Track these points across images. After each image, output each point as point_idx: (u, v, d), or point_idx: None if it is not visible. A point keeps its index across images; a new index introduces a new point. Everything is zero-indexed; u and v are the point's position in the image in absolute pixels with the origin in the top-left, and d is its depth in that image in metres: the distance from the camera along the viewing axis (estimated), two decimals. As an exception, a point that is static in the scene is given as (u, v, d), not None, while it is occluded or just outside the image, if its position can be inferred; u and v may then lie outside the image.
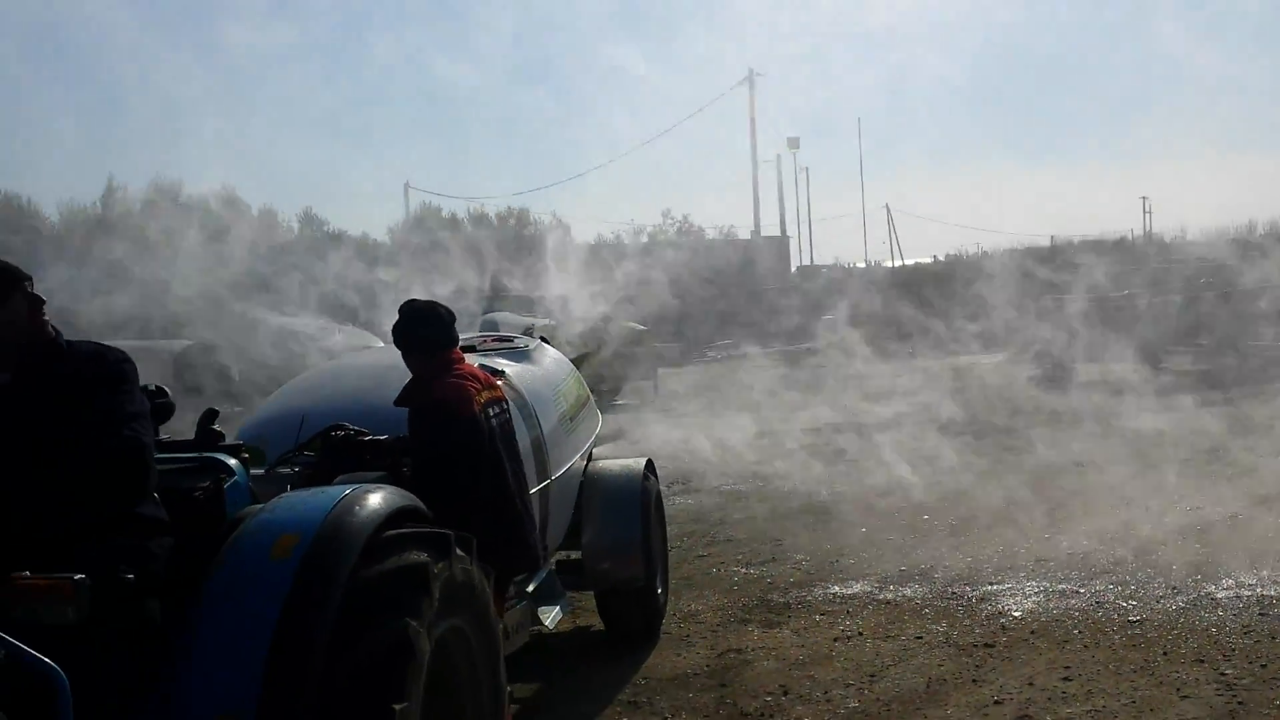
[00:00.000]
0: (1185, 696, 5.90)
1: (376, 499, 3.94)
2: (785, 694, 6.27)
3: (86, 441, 3.35)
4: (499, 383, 6.07)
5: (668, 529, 10.40)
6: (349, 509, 3.79)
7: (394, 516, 3.92)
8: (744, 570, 9.09)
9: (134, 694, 3.23)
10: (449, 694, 4.17)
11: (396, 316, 5.32)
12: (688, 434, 16.45)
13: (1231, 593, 7.65)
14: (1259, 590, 7.66)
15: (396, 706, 3.41)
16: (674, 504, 11.94)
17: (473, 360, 6.24)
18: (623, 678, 6.68)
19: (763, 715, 6.00)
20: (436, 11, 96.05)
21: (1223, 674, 6.19)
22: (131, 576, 3.29)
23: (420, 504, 4.19)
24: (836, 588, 8.40)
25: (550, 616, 6.39)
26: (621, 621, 7.31)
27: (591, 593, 7.41)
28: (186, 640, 3.39)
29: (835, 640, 7.17)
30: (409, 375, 5.31)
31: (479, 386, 5.27)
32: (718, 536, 10.39)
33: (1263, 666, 6.27)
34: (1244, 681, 6.06)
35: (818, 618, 7.68)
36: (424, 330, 5.24)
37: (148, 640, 3.33)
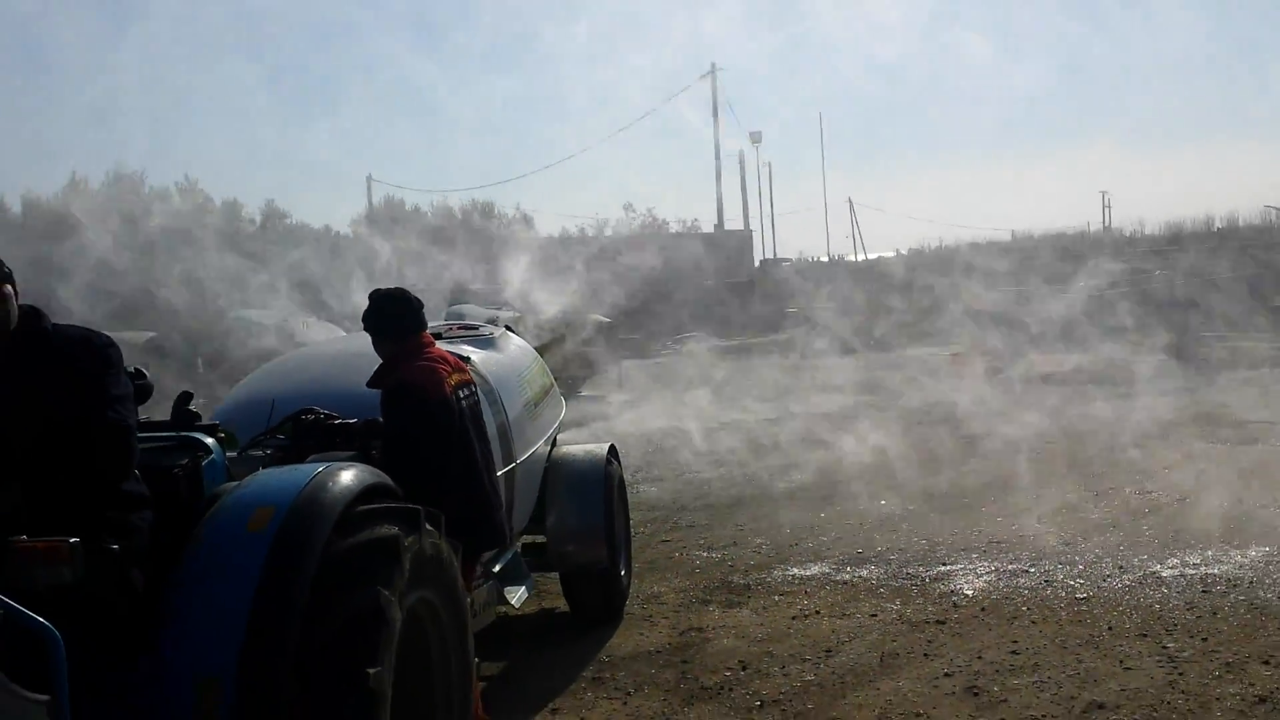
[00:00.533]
0: (1128, 668, 6.14)
1: (349, 476, 4.11)
2: (744, 669, 6.47)
3: (74, 422, 3.48)
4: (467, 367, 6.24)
5: (633, 515, 10.62)
6: (323, 485, 3.95)
7: (366, 492, 4.09)
8: (705, 554, 9.28)
9: (122, 657, 3.38)
10: (420, 662, 4.35)
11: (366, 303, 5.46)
12: (652, 424, 16.67)
13: (1177, 571, 7.92)
14: (1203, 569, 7.93)
15: (370, 671, 3.57)
16: (639, 492, 12.13)
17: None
18: (587, 656, 6.86)
19: (721, 689, 6.19)
20: (401, 4, 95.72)
21: (1164, 647, 6.44)
22: (116, 547, 3.43)
23: (390, 481, 4.35)
24: (795, 570, 8.61)
25: (516, 596, 6.56)
26: (585, 602, 7.48)
27: (556, 575, 7.59)
28: (169, 608, 3.55)
29: (793, 619, 7.38)
30: (377, 361, 5.46)
31: (449, 369, 5.42)
32: (681, 522, 10.59)
33: (1203, 640, 6.52)
34: (1185, 654, 6.31)
35: (776, 598, 7.89)
36: (393, 316, 5.38)
37: (133, 607, 3.48)
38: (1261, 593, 7.31)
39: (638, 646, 7.01)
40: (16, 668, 2.77)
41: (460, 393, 5.38)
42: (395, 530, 3.96)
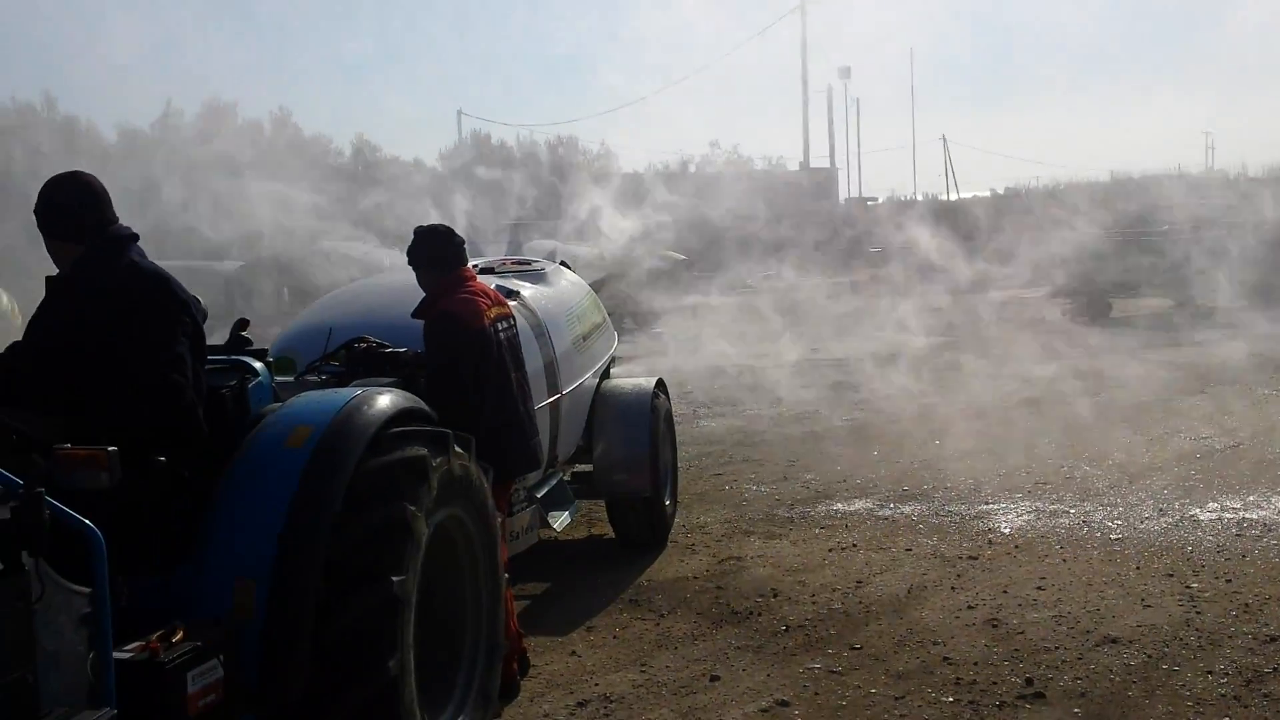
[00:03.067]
0: (1148, 605, 6.31)
1: (384, 400, 4.42)
2: (775, 595, 6.74)
3: (131, 369, 3.80)
4: (512, 302, 6.53)
5: (692, 449, 10.93)
6: (358, 407, 4.27)
7: (399, 416, 4.39)
8: (755, 488, 9.54)
9: (165, 557, 3.75)
10: (451, 575, 4.69)
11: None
12: (721, 360, 16.89)
13: (1214, 515, 8.01)
14: (1241, 514, 8.01)
15: (395, 578, 3.91)
16: (699, 427, 12.43)
17: (490, 280, 6.70)
18: (627, 579, 7.18)
19: (751, 613, 6.47)
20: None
21: (1188, 587, 6.58)
22: (163, 459, 3.78)
23: (424, 406, 4.66)
24: (840, 505, 8.84)
25: (559, 520, 6.88)
26: (630, 530, 7.79)
27: (604, 502, 7.91)
28: (212, 515, 3.91)
29: (830, 551, 7.62)
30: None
31: (488, 302, 5.70)
32: (735, 457, 10.84)
33: (1227, 581, 6.64)
34: (1206, 594, 6.45)
35: (817, 531, 8.13)
36: (435, 250, 5.65)
37: (179, 514, 3.84)
38: (1295, 538, 7.40)
39: (677, 572, 7.31)
40: (64, 562, 3.11)
41: (499, 325, 5.66)
42: (424, 451, 4.27)
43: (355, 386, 4.76)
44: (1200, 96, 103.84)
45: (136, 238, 4.08)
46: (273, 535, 3.84)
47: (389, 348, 5.73)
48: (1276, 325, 18.93)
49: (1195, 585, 6.60)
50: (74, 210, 3.97)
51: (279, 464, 4.01)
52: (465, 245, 5.78)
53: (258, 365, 4.57)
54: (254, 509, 3.92)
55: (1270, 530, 7.56)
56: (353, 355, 5.71)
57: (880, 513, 8.55)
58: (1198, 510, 8.14)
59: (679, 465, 8.88)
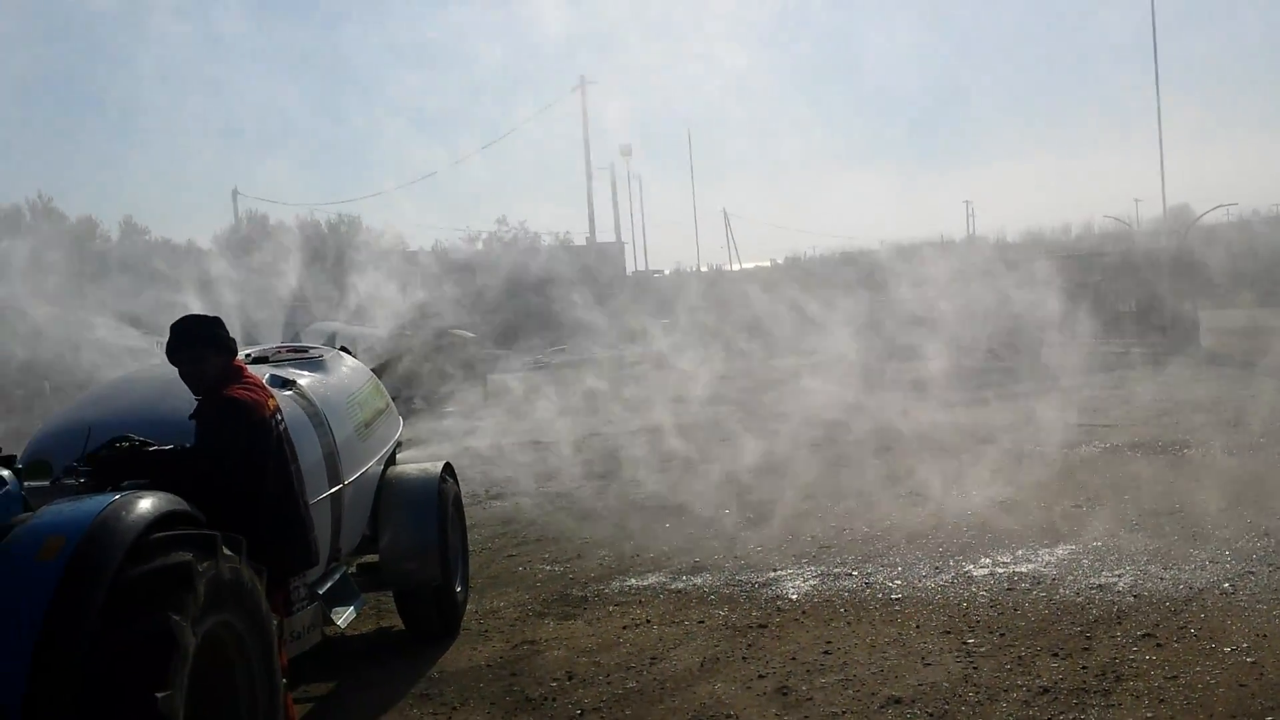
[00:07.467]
0: (928, 664, 6.49)
1: (145, 504, 4.22)
2: (570, 679, 6.67)
3: None
4: (288, 391, 6.36)
5: (484, 530, 10.81)
6: (116, 513, 4.07)
7: (162, 519, 4.20)
8: (549, 568, 9.47)
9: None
10: (223, 685, 4.46)
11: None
12: (512, 438, 16.81)
13: (987, 571, 8.34)
14: (1012, 568, 8.36)
15: (158, 695, 3.69)
16: (491, 508, 12.29)
17: (264, 370, 6.49)
18: (418, 672, 7.00)
19: (545, 699, 6.38)
20: (272, 16, 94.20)
21: (965, 643, 6.82)
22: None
23: (190, 508, 4.45)
24: (633, 580, 8.85)
25: (344, 616, 6.65)
26: (420, 619, 7.60)
27: (392, 593, 7.70)
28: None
29: (624, 628, 7.60)
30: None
31: (266, 394, 5.49)
32: (529, 537, 10.75)
33: (1001, 636, 6.91)
34: (982, 649, 6.69)
35: (611, 609, 8.11)
36: (216, 337, 5.36)
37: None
38: (1062, 589, 7.75)
39: (469, 661, 7.17)
40: None
41: (276, 416, 5.46)
42: (189, 556, 4.08)
43: (115, 490, 4.52)
44: (960, 167, 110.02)
45: None
46: (24, 655, 3.61)
47: (153, 445, 5.45)
48: (1039, 385, 20.05)
49: (972, 641, 6.84)
50: None
51: (29, 579, 3.78)
52: (228, 332, 5.51)
53: (4, 473, 4.31)
54: (3, 628, 3.67)
55: (1039, 583, 7.91)
56: (114, 455, 5.41)
57: (673, 586, 8.59)
58: (971, 566, 8.47)
59: (470, 549, 8.75)
